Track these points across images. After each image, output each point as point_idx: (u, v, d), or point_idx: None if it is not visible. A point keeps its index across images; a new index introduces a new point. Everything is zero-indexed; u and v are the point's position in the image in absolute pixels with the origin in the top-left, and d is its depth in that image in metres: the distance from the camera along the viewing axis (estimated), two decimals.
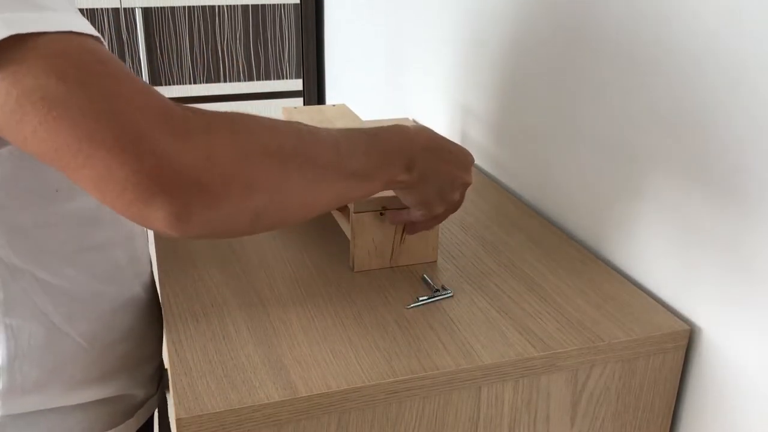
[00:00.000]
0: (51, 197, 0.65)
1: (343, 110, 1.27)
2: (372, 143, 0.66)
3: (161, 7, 2.60)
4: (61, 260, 0.68)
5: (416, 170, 0.70)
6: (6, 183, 0.62)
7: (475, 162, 1.24)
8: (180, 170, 0.47)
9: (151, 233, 0.93)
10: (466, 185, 0.76)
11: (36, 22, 0.48)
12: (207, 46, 2.69)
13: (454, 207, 0.77)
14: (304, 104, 2.37)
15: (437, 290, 0.80)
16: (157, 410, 0.91)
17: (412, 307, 0.77)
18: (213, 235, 0.52)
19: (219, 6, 2.65)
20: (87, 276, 0.71)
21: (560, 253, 0.91)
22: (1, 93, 0.47)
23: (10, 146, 0.59)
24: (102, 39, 0.52)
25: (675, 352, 0.76)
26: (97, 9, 2.51)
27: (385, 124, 0.69)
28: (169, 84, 2.60)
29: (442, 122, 1.37)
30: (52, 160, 0.49)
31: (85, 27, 0.51)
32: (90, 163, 0.47)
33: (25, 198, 0.64)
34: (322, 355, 0.69)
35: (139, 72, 2.61)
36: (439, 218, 0.79)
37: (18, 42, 0.47)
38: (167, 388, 0.81)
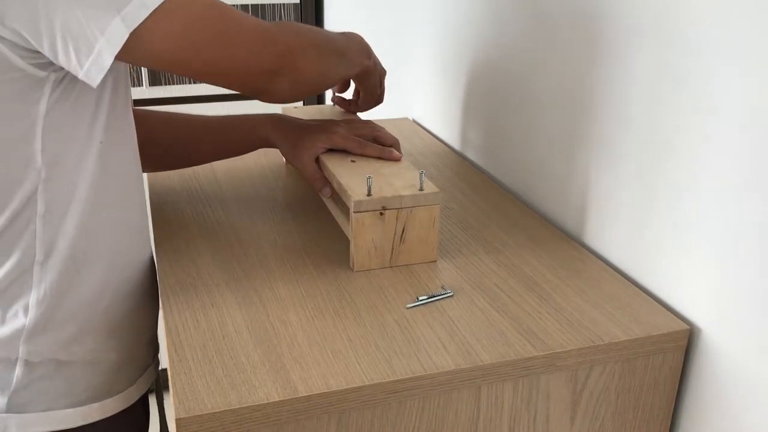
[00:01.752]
0: (94, 146, 0.75)
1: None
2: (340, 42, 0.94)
3: None
4: (87, 210, 0.76)
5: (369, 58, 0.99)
6: (63, 126, 0.72)
7: (475, 161, 1.24)
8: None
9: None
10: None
11: None
12: None
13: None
14: (304, 104, 2.36)
15: (444, 290, 0.80)
16: (155, 401, 0.94)
17: (411, 306, 0.77)
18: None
19: None
20: (103, 229, 0.78)
21: (560, 253, 0.91)
22: (177, 28, 0.69)
23: (72, 92, 0.71)
24: None
25: (675, 352, 0.76)
26: None
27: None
28: (169, 84, 2.60)
29: (441, 122, 1.37)
30: (207, 74, 0.76)
31: None
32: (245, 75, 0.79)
33: (73, 141, 0.73)
34: (321, 355, 0.69)
35: (139, 72, 2.61)
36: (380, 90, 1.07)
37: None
38: (165, 387, 0.83)
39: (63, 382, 0.78)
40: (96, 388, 0.81)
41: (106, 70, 0.66)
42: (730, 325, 0.73)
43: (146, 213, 0.86)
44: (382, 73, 1.05)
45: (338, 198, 0.96)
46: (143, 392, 0.88)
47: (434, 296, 0.79)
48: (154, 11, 0.66)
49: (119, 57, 0.67)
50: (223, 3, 0.74)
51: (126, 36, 0.65)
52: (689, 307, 0.78)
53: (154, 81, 2.62)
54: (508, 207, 1.04)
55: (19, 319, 0.75)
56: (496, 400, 0.71)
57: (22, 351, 0.75)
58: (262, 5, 2.65)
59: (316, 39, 0.86)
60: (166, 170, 1.11)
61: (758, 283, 0.69)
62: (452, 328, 0.74)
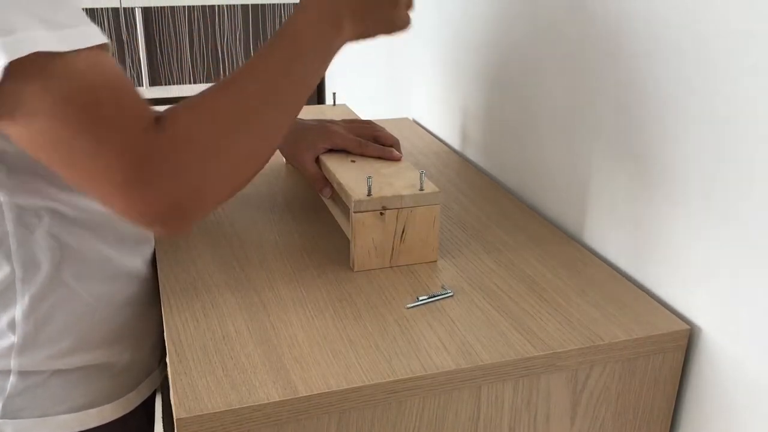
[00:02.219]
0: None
1: (343, 110, 1.27)
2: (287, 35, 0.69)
3: (161, 7, 2.60)
4: (73, 222, 0.74)
5: (353, 21, 0.71)
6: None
7: (475, 161, 1.24)
8: (157, 198, 0.57)
9: None
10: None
11: (46, 42, 0.54)
12: (207, 45, 2.68)
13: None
14: None
15: (444, 290, 0.80)
16: (161, 403, 0.93)
17: (411, 307, 0.77)
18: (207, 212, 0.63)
19: (219, 6, 2.65)
20: (96, 239, 0.76)
21: (560, 253, 0.91)
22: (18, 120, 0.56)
23: None
24: (108, 44, 0.60)
25: (675, 352, 0.76)
26: (96, 9, 2.51)
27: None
28: (169, 84, 2.60)
29: (442, 122, 1.37)
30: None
31: (91, 36, 0.58)
32: (90, 191, 0.58)
33: (20, 167, 0.69)
34: (321, 355, 0.69)
35: (139, 72, 2.60)
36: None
37: (29, 62, 0.54)
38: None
39: (59, 389, 0.77)
40: (94, 393, 0.80)
41: None
42: (730, 325, 0.73)
43: None
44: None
45: (338, 198, 0.96)
46: (145, 397, 0.87)
47: (434, 296, 0.79)
48: None
49: None
50: (88, 100, 0.56)
51: None
52: (689, 307, 0.78)
53: (154, 81, 2.62)
54: (509, 207, 1.04)
55: (7, 336, 0.74)
56: (496, 400, 0.71)
57: (14, 365, 0.74)
58: (262, 5, 2.65)
59: (227, 126, 0.61)
60: None
61: (758, 283, 0.69)
62: (452, 328, 0.74)
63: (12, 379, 0.75)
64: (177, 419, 0.61)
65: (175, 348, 0.70)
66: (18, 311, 0.73)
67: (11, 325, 0.73)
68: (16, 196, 0.70)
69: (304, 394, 0.64)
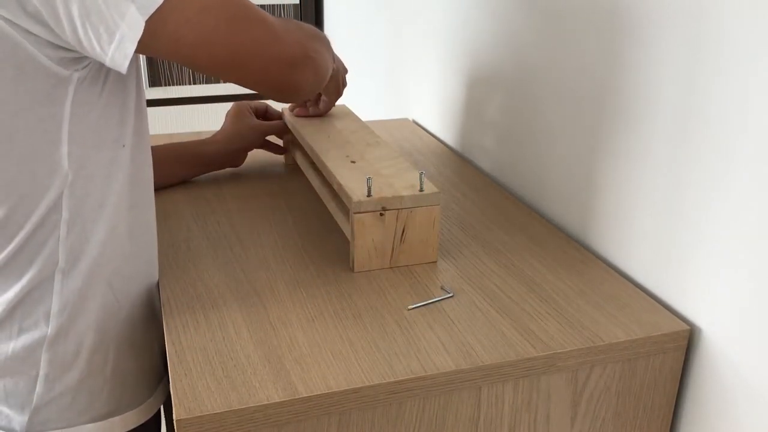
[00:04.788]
0: (119, 149, 0.74)
1: (344, 110, 1.27)
2: None
3: None
4: (116, 215, 0.75)
5: None
6: (90, 129, 0.71)
7: (476, 162, 1.24)
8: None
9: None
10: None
11: None
12: None
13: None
14: None
15: (446, 293, 0.80)
16: (163, 410, 0.93)
17: (413, 308, 0.77)
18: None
19: None
20: (129, 234, 0.78)
21: (560, 253, 0.91)
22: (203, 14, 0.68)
23: (107, 96, 0.72)
24: None
25: (675, 352, 0.76)
26: None
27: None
28: (169, 84, 2.60)
29: (441, 123, 1.37)
30: (230, 68, 0.73)
31: None
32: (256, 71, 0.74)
33: (98, 144, 0.72)
34: (322, 356, 0.69)
35: (138, 73, 2.61)
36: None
37: None
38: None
39: (83, 398, 0.77)
40: (116, 401, 0.79)
41: (130, 57, 0.65)
42: (730, 326, 0.73)
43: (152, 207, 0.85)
44: (344, 71, 1.06)
45: (338, 198, 0.96)
46: (161, 403, 0.87)
47: (434, 297, 0.79)
48: None
49: (143, 47, 0.65)
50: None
51: (142, 24, 0.64)
52: (689, 307, 0.78)
53: (154, 82, 2.62)
54: (509, 207, 1.04)
55: (40, 328, 0.74)
56: (496, 400, 0.71)
57: (43, 362, 0.74)
58: (262, 5, 2.64)
59: (310, 32, 0.85)
60: None
61: (758, 284, 0.69)
62: (452, 329, 0.74)
63: (38, 388, 0.75)
64: (177, 420, 0.61)
65: (176, 349, 0.70)
66: (55, 304, 0.74)
67: (46, 317, 0.74)
68: (80, 182, 0.72)
69: (305, 395, 0.64)
